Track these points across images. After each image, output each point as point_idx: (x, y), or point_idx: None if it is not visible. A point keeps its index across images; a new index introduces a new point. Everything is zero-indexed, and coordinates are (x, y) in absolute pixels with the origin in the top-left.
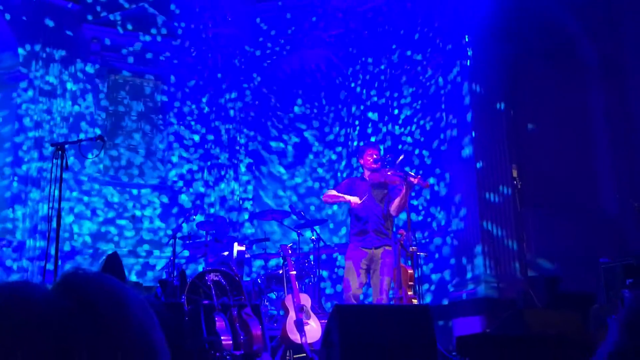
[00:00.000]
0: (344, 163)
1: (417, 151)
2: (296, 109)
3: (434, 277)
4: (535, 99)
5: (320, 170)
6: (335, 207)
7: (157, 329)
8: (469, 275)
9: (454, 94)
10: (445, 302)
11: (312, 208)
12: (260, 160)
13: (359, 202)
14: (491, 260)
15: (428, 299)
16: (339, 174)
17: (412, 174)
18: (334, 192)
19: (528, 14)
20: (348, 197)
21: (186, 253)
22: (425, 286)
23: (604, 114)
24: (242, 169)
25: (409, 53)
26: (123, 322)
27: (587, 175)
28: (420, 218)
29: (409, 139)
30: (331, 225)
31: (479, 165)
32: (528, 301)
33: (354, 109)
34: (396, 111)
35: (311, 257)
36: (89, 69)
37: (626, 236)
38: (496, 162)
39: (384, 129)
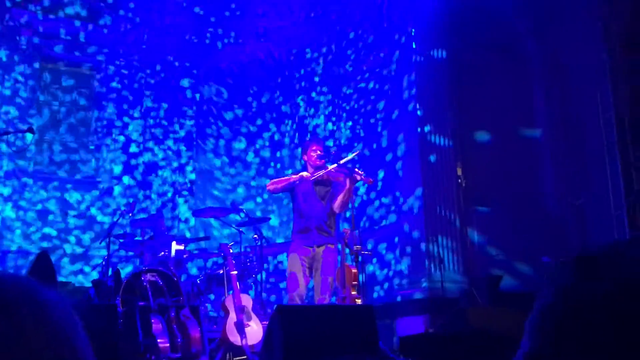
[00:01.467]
0: (287, 161)
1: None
2: (241, 103)
3: (378, 275)
4: (480, 97)
5: (269, 171)
6: (275, 207)
7: (81, 334)
8: (413, 274)
9: (396, 85)
10: (390, 301)
11: (257, 210)
12: (201, 156)
13: (310, 176)
14: (435, 259)
15: (373, 298)
16: (287, 172)
17: (357, 170)
18: (278, 179)
19: (473, 11)
20: (295, 176)
21: (122, 252)
22: (371, 286)
23: (547, 113)
24: (180, 164)
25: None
26: (40, 325)
27: (529, 173)
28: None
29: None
30: (274, 222)
31: (432, 159)
32: (471, 300)
33: (302, 105)
34: (346, 107)
35: (253, 256)
36: (18, 57)
37: (567, 234)
38: (441, 159)
39: (330, 127)
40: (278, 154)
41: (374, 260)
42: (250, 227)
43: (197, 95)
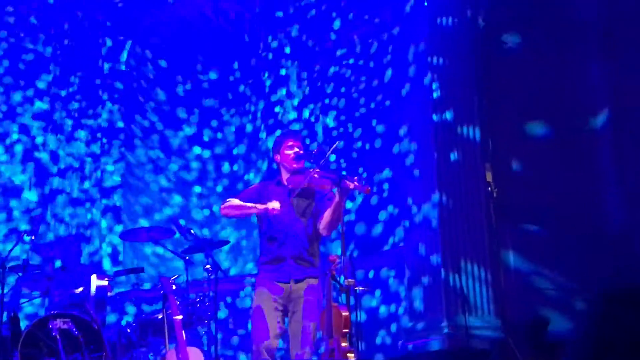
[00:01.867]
0: (242, 166)
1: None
2: (185, 79)
3: (382, 313)
4: (519, 77)
5: (224, 168)
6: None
7: None
8: (426, 316)
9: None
10: (399, 354)
11: (210, 229)
12: (129, 154)
13: (278, 208)
14: (457, 297)
15: (375, 345)
16: (247, 177)
17: (350, 179)
18: (236, 201)
19: None
20: (261, 206)
21: (24, 290)
22: (373, 329)
23: (609, 99)
24: (99, 164)
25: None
26: None
27: (586, 178)
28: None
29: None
30: (236, 244)
31: (454, 157)
32: (507, 354)
33: (267, 84)
34: (329, 88)
35: (205, 294)
36: None
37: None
38: (466, 157)
39: (307, 115)
40: (235, 151)
41: (377, 293)
42: (201, 253)
43: (122, 67)
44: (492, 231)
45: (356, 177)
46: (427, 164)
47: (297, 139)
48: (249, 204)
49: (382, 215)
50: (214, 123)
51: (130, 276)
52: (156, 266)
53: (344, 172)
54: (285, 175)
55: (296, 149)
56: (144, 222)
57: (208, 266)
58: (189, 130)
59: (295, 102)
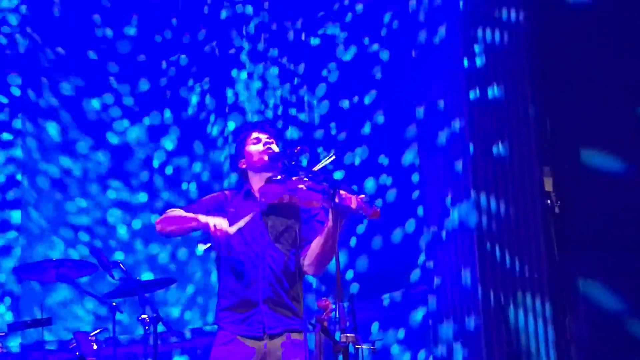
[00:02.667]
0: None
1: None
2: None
3: None
4: (589, 49)
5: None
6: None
7: None
8: None
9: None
10: None
11: (146, 264)
12: (32, 156)
13: (231, 231)
14: (503, 353)
15: None
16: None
17: (351, 191)
18: (177, 212)
19: None
20: (206, 219)
21: None
22: None
23: None
24: None
25: None
26: None
27: None
28: None
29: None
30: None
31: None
32: None
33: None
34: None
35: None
36: None
37: None
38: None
39: (287, 95)
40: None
41: (395, 349)
42: (134, 298)
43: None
44: (552, 261)
45: (362, 196)
46: (457, 161)
47: (264, 130)
48: (188, 215)
49: (397, 236)
50: (154, 114)
51: (32, 328)
52: (68, 317)
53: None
54: (257, 184)
55: (267, 143)
56: (54, 254)
57: (144, 316)
58: (113, 113)
59: (273, 80)
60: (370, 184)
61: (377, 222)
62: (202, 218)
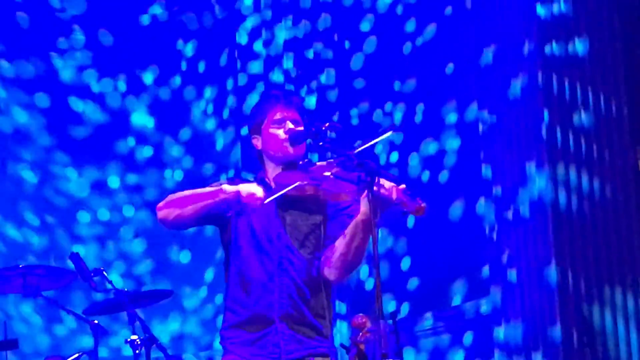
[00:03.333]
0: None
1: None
2: None
3: None
4: None
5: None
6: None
7: None
8: None
9: None
10: None
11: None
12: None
13: (261, 197)
14: None
15: None
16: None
17: (391, 176)
18: (187, 192)
19: None
20: (234, 187)
21: None
22: None
23: None
24: None
25: None
26: None
27: None
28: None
29: None
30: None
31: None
32: None
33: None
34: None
35: None
36: None
37: None
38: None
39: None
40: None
41: None
42: (120, 313)
43: None
44: None
45: (403, 186)
46: (523, 133)
47: (290, 107)
48: (204, 190)
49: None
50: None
51: None
52: (39, 338)
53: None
54: (273, 171)
55: (289, 125)
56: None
57: (134, 337)
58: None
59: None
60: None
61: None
62: (228, 187)
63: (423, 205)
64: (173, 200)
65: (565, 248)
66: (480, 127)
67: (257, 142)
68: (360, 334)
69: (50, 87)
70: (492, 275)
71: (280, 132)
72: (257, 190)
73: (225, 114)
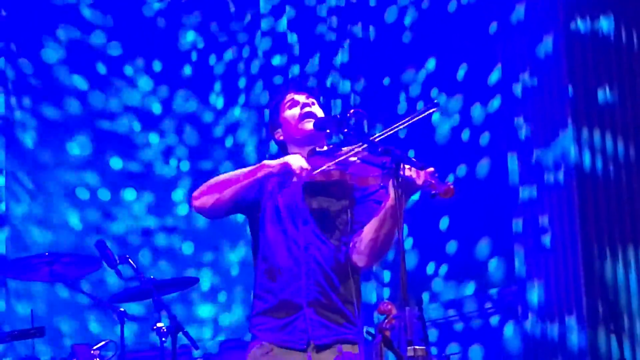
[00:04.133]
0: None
1: None
2: None
3: None
4: None
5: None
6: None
7: None
8: None
9: None
10: None
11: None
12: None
13: (306, 167)
14: None
15: None
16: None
17: (419, 164)
18: (223, 176)
19: None
20: (274, 163)
21: None
22: None
23: None
24: None
25: None
26: None
27: None
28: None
29: None
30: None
31: None
32: None
33: None
34: None
35: None
36: None
37: None
38: None
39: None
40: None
41: None
42: (148, 301)
43: None
44: None
45: (431, 169)
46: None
47: (301, 90)
48: (239, 171)
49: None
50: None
51: (18, 344)
52: (67, 324)
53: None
54: (297, 163)
55: (306, 107)
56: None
57: (160, 324)
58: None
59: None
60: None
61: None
62: (271, 161)
63: (452, 186)
64: (211, 186)
65: (590, 208)
66: (518, 88)
67: (279, 134)
68: (386, 320)
69: None
70: (518, 236)
71: (296, 111)
72: (302, 161)
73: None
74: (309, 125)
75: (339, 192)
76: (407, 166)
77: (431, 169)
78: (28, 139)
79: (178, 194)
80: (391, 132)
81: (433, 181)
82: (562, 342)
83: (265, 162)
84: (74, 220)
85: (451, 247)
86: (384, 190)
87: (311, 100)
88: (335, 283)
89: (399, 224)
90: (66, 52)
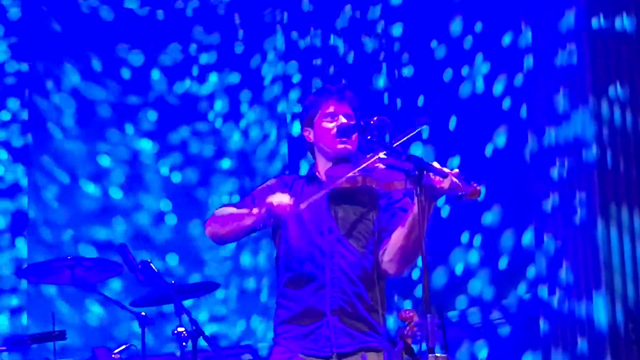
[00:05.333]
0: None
1: None
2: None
3: None
4: None
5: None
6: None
7: None
8: None
9: None
10: None
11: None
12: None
13: (301, 206)
14: None
15: None
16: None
17: (443, 170)
18: (230, 209)
19: None
20: (262, 206)
21: None
22: None
23: None
24: None
25: None
26: None
27: None
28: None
29: None
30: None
31: None
32: None
33: None
34: None
35: None
36: None
37: None
38: None
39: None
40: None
41: None
42: (169, 305)
43: None
44: None
45: (456, 170)
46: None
47: (343, 101)
48: (241, 211)
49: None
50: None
51: (39, 347)
52: (89, 329)
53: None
54: (324, 166)
55: (342, 119)
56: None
57: (181, 329)
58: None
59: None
60: None
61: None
62: (256, 209)
63: (478, 188)
64: (215, 220)
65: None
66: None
67: (310, 134)
68: (408, 327)
69: None
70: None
71: (332, 126)
72: (283, 198)
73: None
74: (341, 146)
75: (364, 200)
76: (431, 174)
77: (456, 170)
78: None
79: None
80: (411, 135)
81: (459, 183)
82: (590, 320)
83: (253, 210)
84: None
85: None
86: (409, 198)
87: (350, 115)
88: (360, 291)
89: (422, 230)
90: None
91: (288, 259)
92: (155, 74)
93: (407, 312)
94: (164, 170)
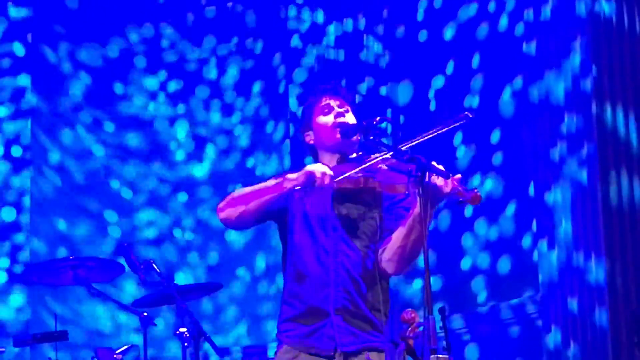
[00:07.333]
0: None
1: None
2: None
3: None
4: None
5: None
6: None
7: None
8: None
9: None
10: None
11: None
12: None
13: (331, 176)
14: None
15: None
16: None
17: (446, 173)
18: (248, 188)
19: None
20: (299, 173)
21: None
22: None
23: None
24: None
25: None
26: None
27: None
28: None
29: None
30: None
31: None
32: None
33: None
34: None
35: None
36: None
37: None
38: None
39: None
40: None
41: None
42: (171, 307)
43: None
44: None
45: (458, 176)
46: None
47: (336, 94)
48: (263, 184)
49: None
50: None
51: (41, 347)
52: (89, 329)
53: (434, 163)
54: (328, 164)
55: (337, 109)
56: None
57: (183, 329)
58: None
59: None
60: None
61: None
62: (292, 174)
63: (479, 193)
64: (235, 198)
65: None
66: None
67: (310, 137)
68: (410, 329)
69: None
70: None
71: (330, 118)
72: (324, 167)
73: None
74: (343, 139)
75: (367, 199)
76: (433, 175)
77: (458, 176)
78: None
79: None
80: (421, 140)
81: (460, 188)
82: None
83: (288, 175)
84: None
85: None
86: (412, 197)
87: (345, 107)
88: (363, 290)
89: (424, 231)
90: None
91: (294, 257)
92: None
93: (409, 312)
94: None
